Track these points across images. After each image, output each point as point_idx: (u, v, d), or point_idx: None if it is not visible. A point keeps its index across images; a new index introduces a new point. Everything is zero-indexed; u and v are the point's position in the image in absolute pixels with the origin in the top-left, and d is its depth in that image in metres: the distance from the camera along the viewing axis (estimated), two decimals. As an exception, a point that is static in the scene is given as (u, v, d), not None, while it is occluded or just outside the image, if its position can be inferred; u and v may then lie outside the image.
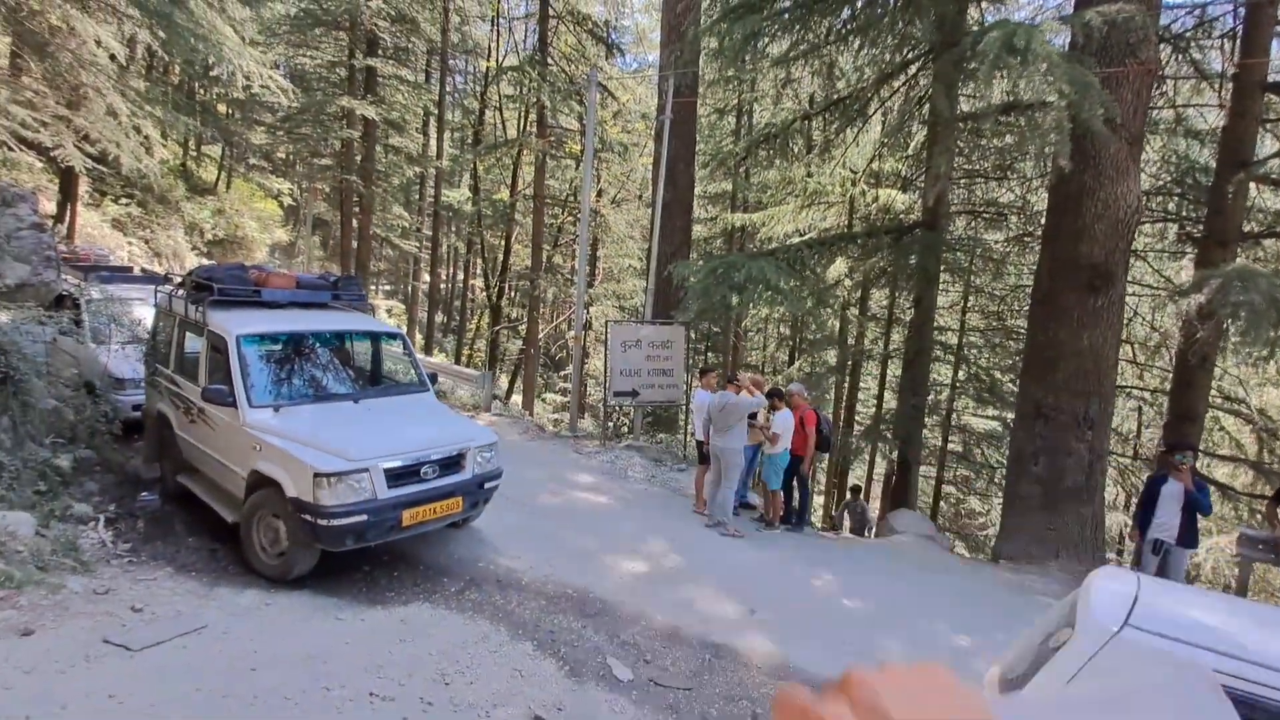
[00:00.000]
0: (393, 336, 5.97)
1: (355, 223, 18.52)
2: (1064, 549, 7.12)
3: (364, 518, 4.18)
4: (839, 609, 5.08)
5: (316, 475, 4.07)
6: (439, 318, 34.47)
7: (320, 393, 5.06)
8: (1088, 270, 7.09)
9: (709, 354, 17.73)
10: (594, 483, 7.74)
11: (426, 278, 24.37)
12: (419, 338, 24.78)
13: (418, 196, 24.86)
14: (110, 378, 6.92)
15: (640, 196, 22.01)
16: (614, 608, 4.58)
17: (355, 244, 18.42)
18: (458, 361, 20.63)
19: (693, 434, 11.30)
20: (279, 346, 5.11)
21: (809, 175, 15.52)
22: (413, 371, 5.80)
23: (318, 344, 5.40)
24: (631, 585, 4.99)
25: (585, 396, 25.98)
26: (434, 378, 5.96)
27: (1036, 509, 7.28)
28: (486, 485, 4.98)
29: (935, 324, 11.49)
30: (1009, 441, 7.88)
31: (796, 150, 14.11)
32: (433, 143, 21.97)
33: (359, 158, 17.76)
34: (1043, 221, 8.76)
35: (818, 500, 13.52)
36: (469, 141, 20.31)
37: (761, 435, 6.79)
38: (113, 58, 9.96)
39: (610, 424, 11.82)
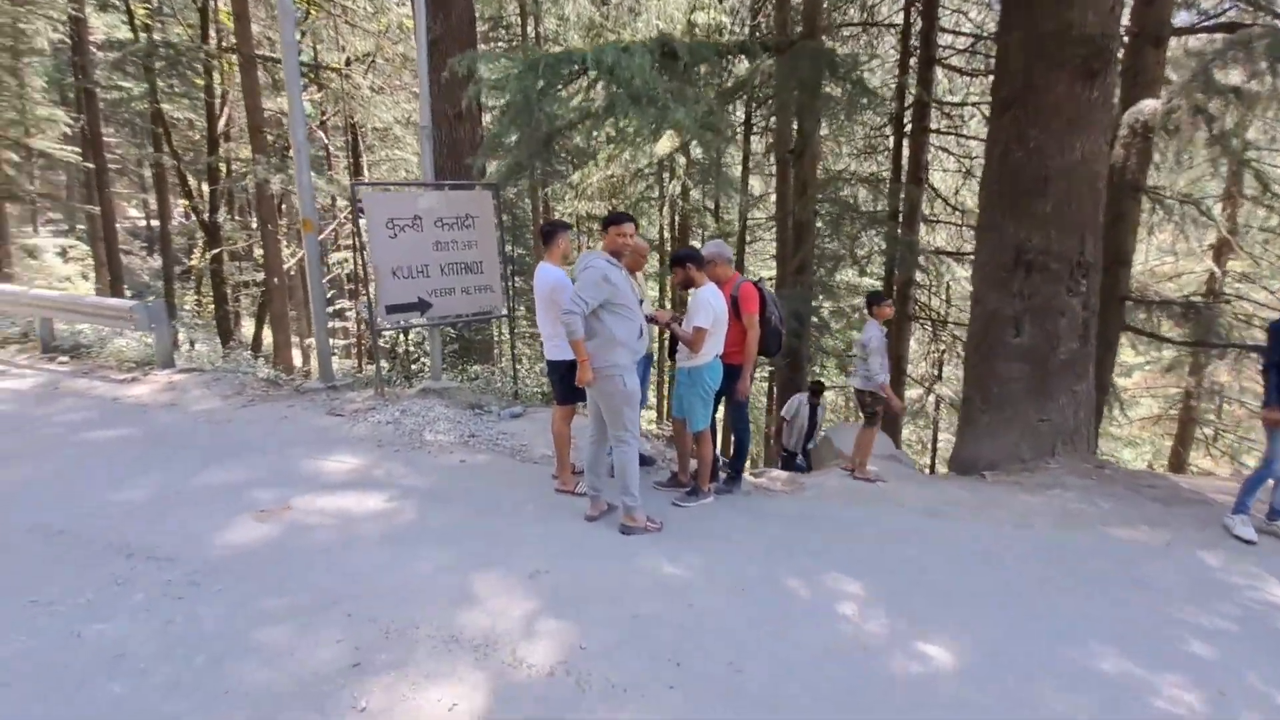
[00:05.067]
0: None
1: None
2: (1060, 443, 5.25)
3: None
4: (953, 685, 2.34)
5: None
6: (154, 261, 25.74)
7: None
8: (1082, 47, 4.88)
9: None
10: (359, 468, 4.14)
11: (131, 206, 16.86)
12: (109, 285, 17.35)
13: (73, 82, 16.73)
14: None
15: (407, 87, 16.70)
16: None
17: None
18: (172, 311, 13.63)
19: (531, 357, 8.10)
20: None
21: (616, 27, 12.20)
22: None
23: None
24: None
25: (364, 336, 20.75)
26: None
27: (1024, 394, 5.26)
28: None
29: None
30: (972, 308, 5.74)
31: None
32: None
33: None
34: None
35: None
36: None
37: (670, 331, 3.71)
38: None
39: (393, 362, 7.91)
